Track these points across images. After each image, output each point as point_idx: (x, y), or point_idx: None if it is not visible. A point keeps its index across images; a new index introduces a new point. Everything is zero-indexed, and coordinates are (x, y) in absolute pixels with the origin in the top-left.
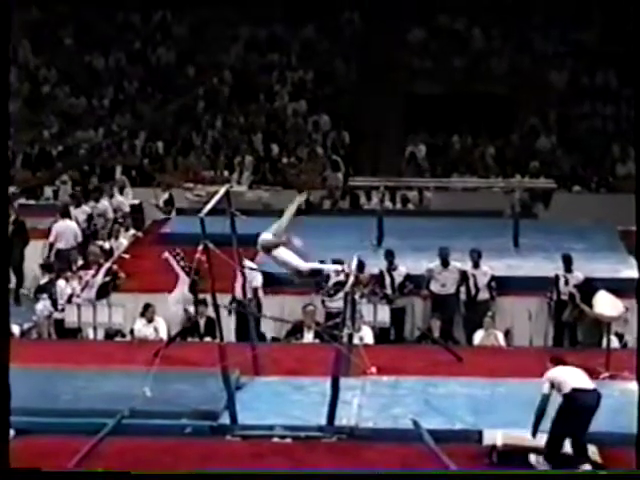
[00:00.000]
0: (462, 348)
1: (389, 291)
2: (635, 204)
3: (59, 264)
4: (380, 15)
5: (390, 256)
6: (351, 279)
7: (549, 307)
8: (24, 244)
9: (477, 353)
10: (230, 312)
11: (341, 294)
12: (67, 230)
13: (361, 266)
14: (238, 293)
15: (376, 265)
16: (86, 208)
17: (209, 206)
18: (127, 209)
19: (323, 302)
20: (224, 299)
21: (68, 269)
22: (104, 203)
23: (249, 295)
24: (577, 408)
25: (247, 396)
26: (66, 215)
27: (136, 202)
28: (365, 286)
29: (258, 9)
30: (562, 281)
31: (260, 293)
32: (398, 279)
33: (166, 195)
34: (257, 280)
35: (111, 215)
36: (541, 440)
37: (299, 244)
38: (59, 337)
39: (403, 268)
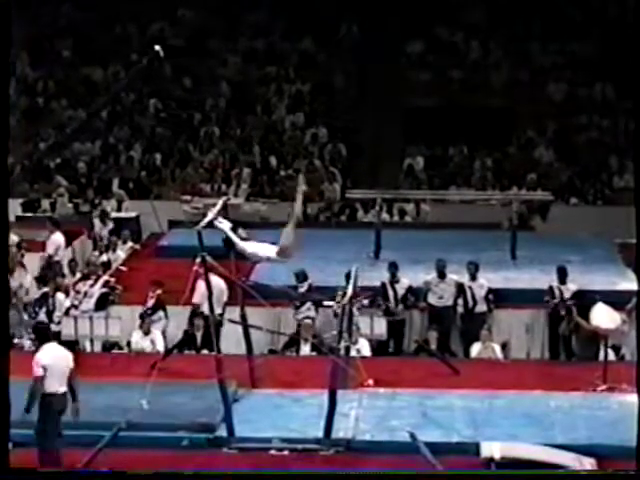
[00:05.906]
0: (459, 361)
1: (392, 303)
2: (635, 217)
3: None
4: (378, 27)
5: (393, 268)
6: (348, 292)
7: (548, 319)
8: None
9: (474, 366)
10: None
11: (308, 304)
12: (61, 242)
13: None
14: (197, 301)
15: (373, 278)
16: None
17: (207, 219)
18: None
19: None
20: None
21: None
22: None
23: (219, 310)
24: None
25: (244, 408)
26: (57, 226)
27: (133, 215)
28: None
29: (256, 21)
30: (556, 293)
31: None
32: (400, 292)
33: (111, 225)
34: (225, 294)
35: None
36: (540, 452)
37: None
38: None
39: (406, 280)
